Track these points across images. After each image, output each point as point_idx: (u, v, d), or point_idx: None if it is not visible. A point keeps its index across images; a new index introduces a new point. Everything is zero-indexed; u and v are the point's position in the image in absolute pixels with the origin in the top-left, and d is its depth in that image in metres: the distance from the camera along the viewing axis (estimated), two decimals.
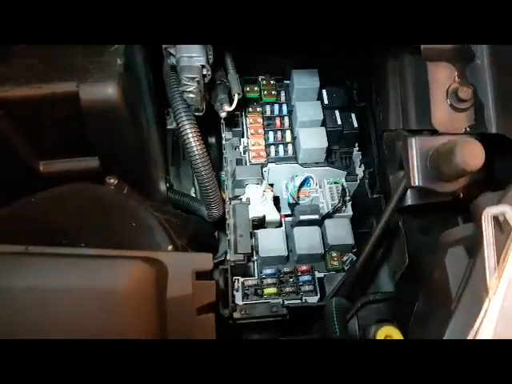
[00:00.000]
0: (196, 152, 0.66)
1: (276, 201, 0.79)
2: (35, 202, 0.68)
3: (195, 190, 1.05)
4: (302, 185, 0.78)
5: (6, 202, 0.68)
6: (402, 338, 0.52)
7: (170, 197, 0.94)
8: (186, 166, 1.07)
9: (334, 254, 0.74)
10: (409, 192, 0.61)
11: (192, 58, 0.58)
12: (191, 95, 0.61)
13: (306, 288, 0.72)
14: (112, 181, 0.68)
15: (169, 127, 1.05)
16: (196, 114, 0.66)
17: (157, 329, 0.45)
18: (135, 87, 0.73)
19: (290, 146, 0.79)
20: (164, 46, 0.60)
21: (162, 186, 0.91)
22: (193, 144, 0.65)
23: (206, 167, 0.68)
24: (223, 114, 0.68)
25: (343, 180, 0.80)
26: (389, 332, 0.53)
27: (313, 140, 0.76)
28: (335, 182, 0.80)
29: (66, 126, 0.68)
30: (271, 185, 0.80)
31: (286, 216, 0.80)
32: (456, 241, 0.46)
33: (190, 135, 0.65)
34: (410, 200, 0.63)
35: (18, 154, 0.70)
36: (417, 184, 0.54)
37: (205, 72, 0.61)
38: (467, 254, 0.43)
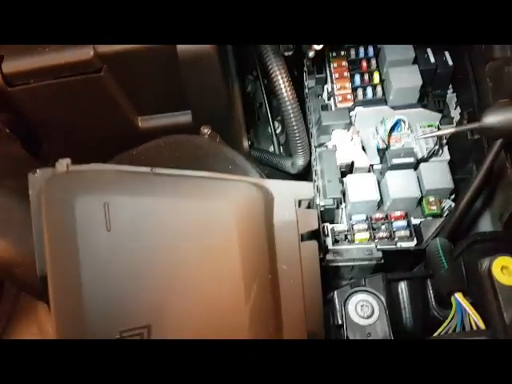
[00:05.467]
0: (286, 95, 0.66)
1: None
2: (136, 154, 0.74)
3: (274, 149, 1.06)
4: (392, 129, 0.75)
5: (109, 156, 0.75)
6: None
7: (253, 154, 0.96)
8: (261, 128, 1.09)
9: (432, 199, 0.70)
10: None
11: None
12: None
13: (402, 233, 0.68)
14: (206, 130, 0.72)
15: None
16: (285, 53, 0.66)
17: (266, 249, 0.47)
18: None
19: (378, 88, 0.74)
20: None
21: (245, 143, 0.94)
22: (283, 88, 0.66)
23: (295, 111, 0.68)
24: (311, 54, 0.66)
25: (438, 123, 0.75)
26: (506, 262, 0.49)
27: (405, 79, 0.72)
28: (429, 125, 0.74)
29: (163, 82, 0.72)
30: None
31: (374, 166, 0.77)
32: None
33: (280, 77, 0.65)
34: None
35: (120, 111, 0.76)
36: None
37: None
38: None
